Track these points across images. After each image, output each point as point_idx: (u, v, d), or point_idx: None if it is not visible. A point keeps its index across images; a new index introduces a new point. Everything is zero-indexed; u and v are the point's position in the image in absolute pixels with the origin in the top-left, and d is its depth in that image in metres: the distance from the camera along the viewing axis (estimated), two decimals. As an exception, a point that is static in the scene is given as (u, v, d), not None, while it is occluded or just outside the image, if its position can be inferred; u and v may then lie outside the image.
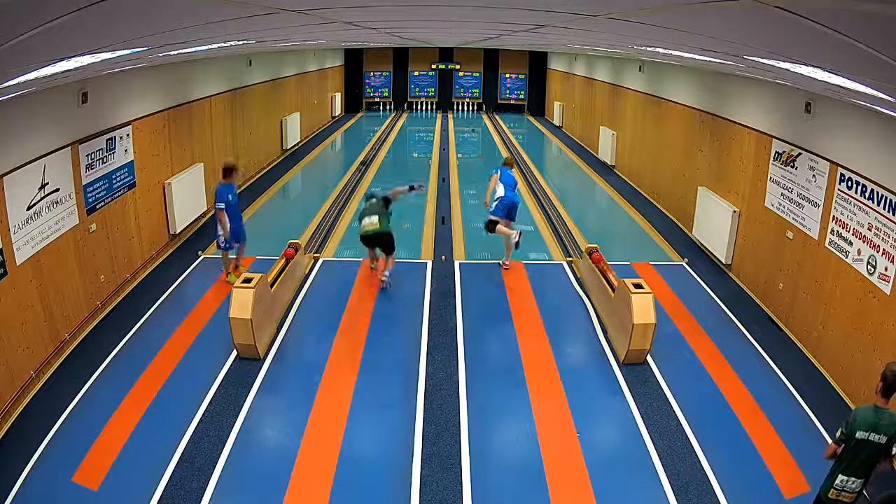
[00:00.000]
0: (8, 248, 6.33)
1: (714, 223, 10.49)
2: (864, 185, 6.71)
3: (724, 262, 10.21)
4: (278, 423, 6.31)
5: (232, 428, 6.08)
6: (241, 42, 6.84)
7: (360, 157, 19.33)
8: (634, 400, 6.65)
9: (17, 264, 6.48)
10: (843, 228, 7.08)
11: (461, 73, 30.80)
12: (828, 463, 4.52)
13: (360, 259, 10.37)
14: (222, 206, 8.73)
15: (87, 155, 7.94)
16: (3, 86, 4.32)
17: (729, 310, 8.92)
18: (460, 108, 30.98)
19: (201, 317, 8.33)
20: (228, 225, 8.84)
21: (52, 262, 7.13)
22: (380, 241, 9.17)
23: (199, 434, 5.97)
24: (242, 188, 14.69)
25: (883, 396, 4.27)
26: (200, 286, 9.33)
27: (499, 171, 9.97)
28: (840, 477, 4.42)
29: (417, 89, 30.97)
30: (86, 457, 5.56)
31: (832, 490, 4.49)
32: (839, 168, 7.19)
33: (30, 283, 6.73)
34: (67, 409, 6.29)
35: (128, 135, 9.06)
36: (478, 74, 30.77)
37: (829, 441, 4.54)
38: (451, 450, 5.83)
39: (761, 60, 4.41)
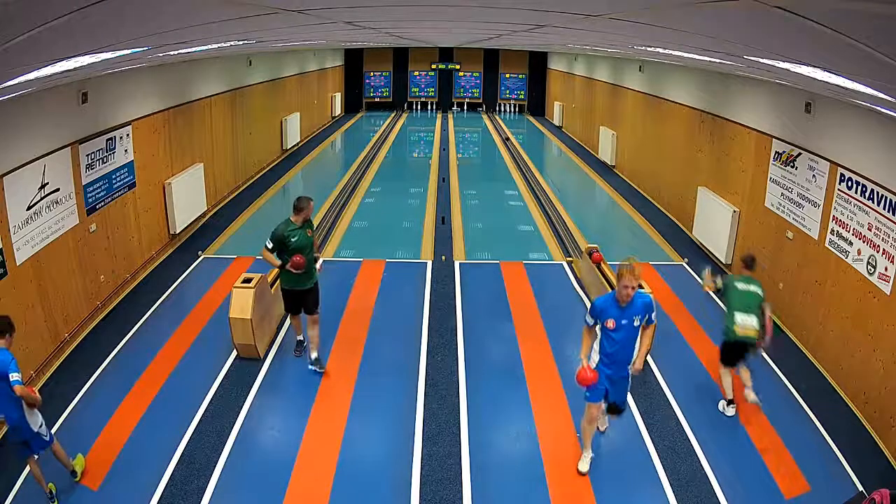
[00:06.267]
0: (8, 248, 6.33)
1: (714, 223, 10.49)
2: (864, 185, 6.71)
3: (724, 262, 10.21)
4: (278, 423, 6.30)
5: (232, 428, 6.08)
6: (241, 42, 6.84)
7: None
8: (634, 400, 6.64)
9: (18, 264, 6.48)
10: (843, 228, 7.08)
11: (461, 73, 30.81)
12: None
13: (360, 259, 10.37)
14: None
15: (87, 155, 7.94)
16: (3, 86, 4.32)
17: (729, 310, 8.91)
18: (463, 108, 31.01)
19: (201, 317, 8.33)
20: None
21: (52, 262, 7.13)
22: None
23: (199, 434, 5.97)
24: (242, 188, 14.71)
25: (747, 270, 6.24)
26: (200, 286, 9.32)
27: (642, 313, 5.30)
28: (737, 314, 6.06)
29: (417, 89, 30.97)
30: (86, 457, 5.55)
31: (736, 326, 6.07)
32: (839, 168, 7.19)
33: (30, 283, 6.73)
34: (67, 410, 6.29)
35: (128, 135, 9.06)
36: (478, 74, 30.78)
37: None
38: (451, 449, 5.83)
39: (761, 60, 4.41)
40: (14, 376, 4.64)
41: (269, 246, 6.67)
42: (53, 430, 5.94)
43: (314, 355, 7.08)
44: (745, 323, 6.05)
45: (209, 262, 10.29)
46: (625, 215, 13.83)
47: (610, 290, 5.27)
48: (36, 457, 5.01)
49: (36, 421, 4.91)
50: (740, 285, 6.18)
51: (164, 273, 9.75)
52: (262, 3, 3.16)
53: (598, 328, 5.24)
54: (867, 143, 6.73)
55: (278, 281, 8.20)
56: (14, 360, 4.70)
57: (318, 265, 7.34)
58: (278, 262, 6.71)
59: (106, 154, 8.43)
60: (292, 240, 6.68)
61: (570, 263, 10.48)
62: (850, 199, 6.94)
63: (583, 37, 6.41)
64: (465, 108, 31.14)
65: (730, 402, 6.36)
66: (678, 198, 12.79)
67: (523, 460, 5.76)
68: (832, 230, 7.30)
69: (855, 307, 6.79)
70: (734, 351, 6.19)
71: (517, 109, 31.07)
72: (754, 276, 6.31)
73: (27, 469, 5.42)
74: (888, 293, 6.22)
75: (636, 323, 5.12)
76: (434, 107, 31.14)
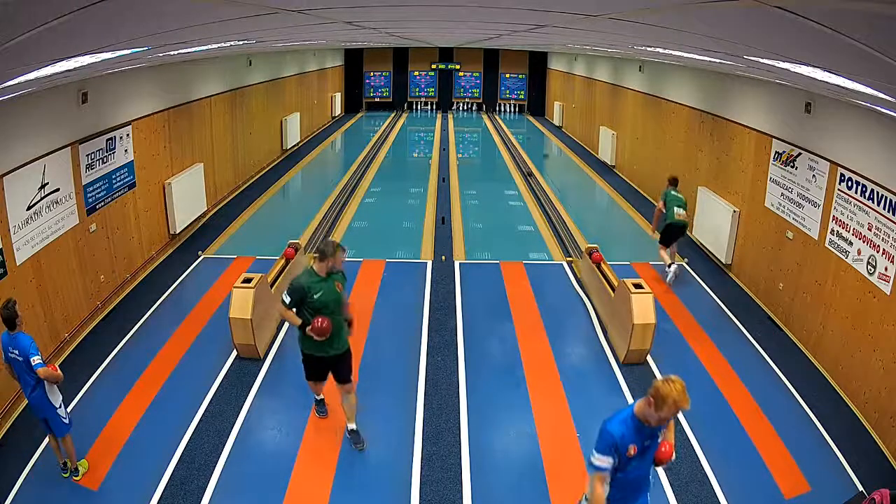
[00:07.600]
0: (8, 248, 6.33)
1: (714, 223, 10.49)
2: (864, 185, 6.71)
3: (724, 262, 10.21)
4: (278, 423, 6.30)
5: (232, 428, 6.08)
6: (241, 42, 6.84)
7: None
8: (634, 400, 6.63)
9: (18, 264, 6.48)
10: (843, 228, 7.08)
11: (461, 73, 30.81)
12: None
13: (360, 259, 10.37)
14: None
15: (87, 155, 7.94)
16: (3, 86, 4.32)
17: (729, 310, 8.92)
18: (460, 107, 31.04)
19: (201, 317, 8.33)
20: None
21: (52, 262, 7.13)
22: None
23: (199, 434, 5.97)
24: (242, 188, 14.71)
25: (673, 187, 9.66)
26: (200, 286, 9.33)
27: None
28: (675, 208, 9.35)
29: (417, 89, 30.97)
30: (86, 457, 5.55)
31: (676, 214, 9.33)
32: (839, 168, 7.19)
33: (30, 283, 6.73)
34: (68, 410, 6.27)
35: (128, 135, 9.06)
36: (478, 74, 30.78)
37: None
38: (451, 450, 5.83)
39: (761, 60, 4.41)
40: (35, 360, 4.78)
41: (287, 301, 5.27)
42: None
43: (352, 426, 5.86)
44: (680, 212, 9.34)
45: (209, 262, 10.29)
46: (625, 215, 13.83)
47: (627, 410, 4.17)
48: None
49: (56, 398, 5.09)
50: (673, 193, 9.49)
51: (164, 273, 9.75)
52: (262, 3, 3.16)
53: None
54: (867, 143, 6.73)
55: (279, 280, 8.20)
56: (33, 343, 4.83)
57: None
58: (299, 321, 5.33)
59: (106, 154, 8.43)
60: (315, 295, 5.28)
61: (570, 263, 10.48)
62: (850, 199, 6.94)
63: (583, 37, 6.41)
64: (466, 107, 31.15)
65: (670, 265, 9.49)
66: (678, 198, 12.78)
67: (523, 460, 5.76)
68: (832, 230, 7.30)
69: (855, 307, 6.79)
70: (672, 233, 9.45)
71: (517, 109, 31.08)
72: (679, 192, 9.61)
73: (27, 468, 5.43)
74: (888, 293, 6.22)
75: (660, 438, 4.19)
76: (434, 107, 31.14)
